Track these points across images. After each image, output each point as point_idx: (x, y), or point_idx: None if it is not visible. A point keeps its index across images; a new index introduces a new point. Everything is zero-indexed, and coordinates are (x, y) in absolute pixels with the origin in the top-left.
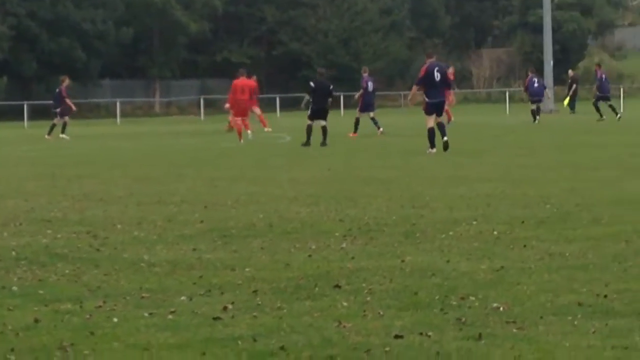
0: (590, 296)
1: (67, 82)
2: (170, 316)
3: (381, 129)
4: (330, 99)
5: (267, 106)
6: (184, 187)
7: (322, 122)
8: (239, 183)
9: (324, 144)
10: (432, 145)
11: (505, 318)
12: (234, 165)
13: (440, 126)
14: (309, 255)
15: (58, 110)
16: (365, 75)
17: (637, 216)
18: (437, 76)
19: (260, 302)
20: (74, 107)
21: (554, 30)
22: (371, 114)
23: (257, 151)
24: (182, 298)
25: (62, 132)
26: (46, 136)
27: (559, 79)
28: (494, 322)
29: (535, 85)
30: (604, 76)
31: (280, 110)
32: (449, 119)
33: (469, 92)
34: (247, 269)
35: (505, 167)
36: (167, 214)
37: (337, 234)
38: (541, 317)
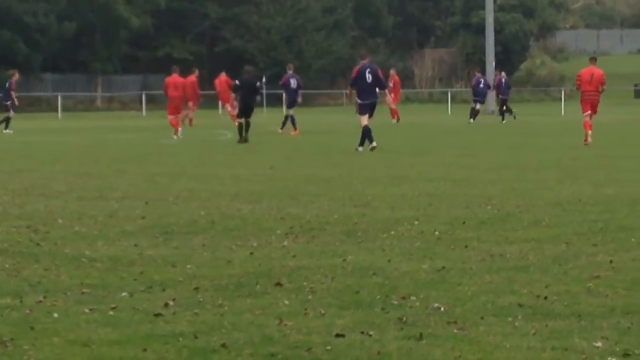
0: (530, 297)
1: (16, 76)
2: (111, 312)
3: (296, 131)
4: (257, 96)
5: (209, 102)
6: (125, 183)
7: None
8: (181, 179)
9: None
10: (361, 143)
11: (446, 318)
12: (175, 162)
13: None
14: (251, 253)
15: (9, 103)
16: (290, 72)
17: (577, 218)
18: (369, 77)
19: (201, 299)
20: (17, 102)
21: (496, 32)
22: (290, 111)
23: (199, 148)
24: (123, 294)
25: (6, 127)
26: (4, 131)
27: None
28: (435, 322)
29: (481, 85)
30: (503, 80)
31: (222, 107)
32: (397, 119)
33: (411, 92)
34: (188, 266)
35: (447, 167)
36: (108, 210)
37: (278, 232)
38: (482, 318)
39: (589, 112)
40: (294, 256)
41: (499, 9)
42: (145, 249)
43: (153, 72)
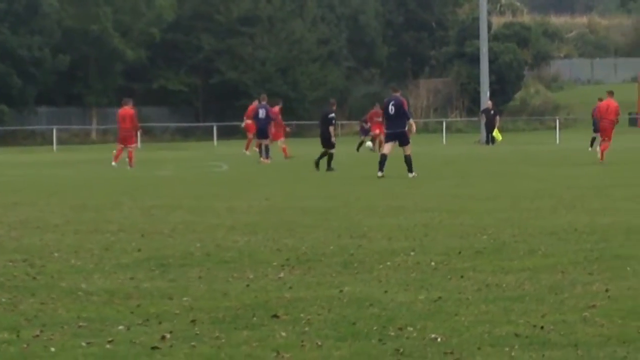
0: (527, 327)
1: None
2: (108, 345)
3: (268, 160)
4: (330, 127)
5: (204, 134)
6: (121, 216)
7: (327, 150)
8: (176, 212)
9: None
10: (380, 168)
11: (443, 349)
12: (171, 194)
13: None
14: (247, 285)
15: None
16: (264, 102)
17: (573, 247)
18: (392, 109)
19: (198, 332)
20: None
21: (490, 61)
22: (265, 142)
23: (195, 180)
24: (120, 327)
25: None
26: None
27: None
28: (432, 352)
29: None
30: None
31: (218, 139)
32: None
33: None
34: (185, 298)
35: (442, 197)
36: (104, 243)
37: (275, 264)
38: (479, 348)
39: (604, 137)
40: (290, 288)
41: (493, 38)
42: (141, 282)
43: (148, 105)
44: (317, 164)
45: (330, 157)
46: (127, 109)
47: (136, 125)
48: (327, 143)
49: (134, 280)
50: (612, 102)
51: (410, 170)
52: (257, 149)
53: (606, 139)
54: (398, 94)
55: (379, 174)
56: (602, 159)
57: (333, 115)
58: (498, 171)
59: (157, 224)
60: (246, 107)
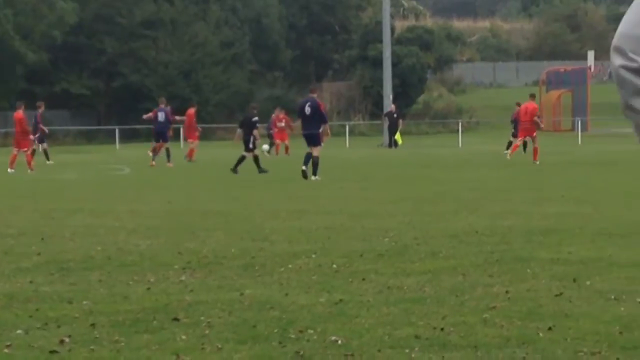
0: (427, 329)
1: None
2: (6, 350)
3: (170, 164)
4: (254, 130)
5: (107, 138)
6: (21, 219)
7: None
8: (77, 215)
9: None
10: (314, 172)
11: (343, 351)
12: (72, 197)
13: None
14: (148, 288)
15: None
16: (162, 106)
17: (474, 249)
18: (308, 110)
19: (97, 336)
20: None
21: (393, 65)
22: (167, 145)
23: (96, 183)
24: (19, 331)
25: None
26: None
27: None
28: (332, 355)
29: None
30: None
31: (120, 142)
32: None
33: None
34: (84, 302)
35: (345, 200)
36: (4, 246)
37: (176, 267)
38: (379, 350)
39: (522, 138)
40: (191, 291)
41: (396, 42)
42: (40, 286)
43: (50, 108)
44: (259, 168)
45: (242, 159)
46: (18, 113)
47: (25, 129)
48: (247, 147)
49: (33, 284)
50: (530, 105)
51: (314, 173)
52: (151, 153)
53: (521, 138)
54: (314, 95)
55: (313, 178)
56: (535, 159)
57: (257, 119)
58: (401, 174)
59: (57, 228)
60: (148, 110)
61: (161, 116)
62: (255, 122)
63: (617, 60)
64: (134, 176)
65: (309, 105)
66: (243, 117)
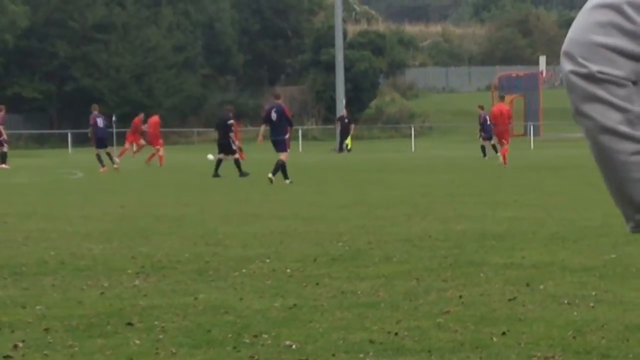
0: (381, 334)
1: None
2: None
3: (116, 165)
4: (230, 132)
5: (59, 142)
6: None
7: (219, 155)
8: (30, 219)
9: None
10: (285, 176)
11: (297, 356)
12: (24, 201)
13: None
14: (102, 293)
15: None
16: (95, 113)
17: (427, 254)
18: (274, 116)
19: (51, 340)
20: None
21: (346, 69)
22: (105, 150)
23: (49, 187)
24: None
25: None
26: None
27: (352, 118)
28: (287, 359)
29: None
30: (487, 117)
31: (72, 146)
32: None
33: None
34: (38, 307)
35: (298, 204)
36: None
37: (129, 272)
38: (333, 355)
39: (502, 141)
40: (145, 295)
41: (348, 46)
42: None
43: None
44: (216, 173)
45: (238, 162)
46: None
47: None
48: (229, 149)
49: None
50: (504, 107)
51: (274, 173)
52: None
53: (505, 142)
54: (279, 101)
55: (285, 181)
56: (505, 163)
57: (232, 121)
58: (354, 179)
59: (10, 232)
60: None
61: (100, 122)
62: (231, 125)
63: (567, 66)
64: (86, 180)
65: (274, 111)
66: (217, 119)
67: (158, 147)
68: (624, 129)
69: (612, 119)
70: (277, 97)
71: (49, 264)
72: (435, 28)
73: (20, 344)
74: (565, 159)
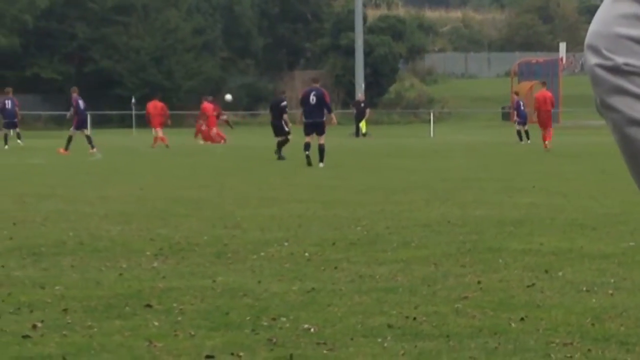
0: (399, 318)
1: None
2: None
3: (94, 149)
4: (284, 114)
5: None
6: None
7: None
8: (49, 200)
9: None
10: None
11: (315, 339)
12: (43, 182)
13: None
14: (120, 274)
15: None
16: (75, 95)
17: (446, 239)
18: (313, 99)
19: (70, 321)
20: None
21: (365, 54)
22: (86, 132)
23: (68, 168)
24: None
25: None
26: None
27: (371, 103)
28: (305, 343)
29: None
30: (521, 103)
31: (91, 128)
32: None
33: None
34: (57, 287)
35: (317, 188)
36: None
37: (148, 253)
38: (351, 339)
39: (545, 127)
40: (164, 277)
41: (368, 31)
42: (12, 270)
43: (21, 93)
44: (279, 155)
45: (284, 143)
46: None
47: None
48: (282, 131)
49: (4, 269)
50: (547, 94)
51: (322, 159)
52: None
53: (549, 128)
54: (318, 85)
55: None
56: (547, 147)
57: (285, 103)
58: (373, 164)
59: (29, 212)
60: (120, 96)
61: (81, 104)
62: (284, 106)
63: (592, 59)
64: (105, 162)
65: (314, 95)
66: (271, 102)
67: (158, 128)
68: None
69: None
70: (316, 80)
71: (67, 244)
72: (456, 13)
73: (39, 324)
74: (584, 146)
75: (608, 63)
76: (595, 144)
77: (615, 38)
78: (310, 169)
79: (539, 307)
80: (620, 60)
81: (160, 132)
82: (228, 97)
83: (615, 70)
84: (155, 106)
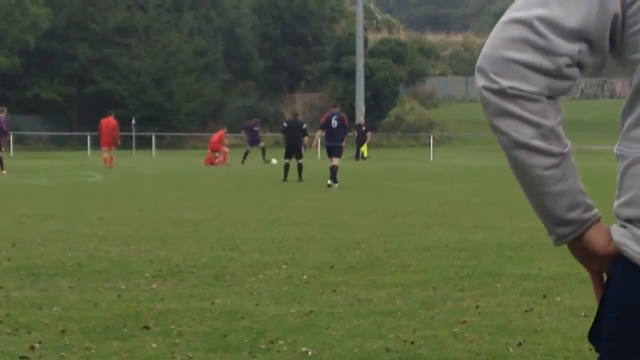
0: (397, 342)
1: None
2: None
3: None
4: (304, 137)
5: (78, 144)
6: None
7: (299, 160)
8: (48, 221)
9: (300, 179)
10: (333, 180)
11: None
12: (43, 203)
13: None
14: (118, 296)
15: None
16: (2, 115)
17: (444, 263)
18: (334, 123)
19: (68, 342)
20: None
21: (366, 77)
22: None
23: (67, 189)
24: None
25: None
26: None
27: (371, 126)
28: None
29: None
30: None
31: (91, 149)
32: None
33: (281, 136)
34: (55, 308)
35: (316, 211)
36: None
37: (146, 275)
38: None
39: None
40: (162, 299)
41: (369, 54)
42: (11, 291)
43: (22, 113)
44: (300, 177)
45: (301, 166)
46: None
47: None
48: (299, 153)
49: (3, 290)
50: None
51: (335, 180)
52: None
53: None
54: (338, 109)
55: (334, 185)
56: None
57: (306, 126)
58: (372, 186)
59: (28, 233)
60: (121, 117)
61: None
62: (305, 129)
63: (480, 82)
64: (105, 183)
65: (335, 119)
66: (287, 123)
67: (106, 148)
68: (538, 143)
69: (525, 133)
70: (335, 106)
71: (66, 265)
72: (457, 37)
73: (37, 345)
74: (584, 171)
75: (494, 86)
76: (594, 168)
77: (502, 61)
78: (309, 192)
79: (536, 332)
80: (505, 83)
81: (106, 152)
82: (274, 161)
83: (501, 93)
84: (107, 124)
